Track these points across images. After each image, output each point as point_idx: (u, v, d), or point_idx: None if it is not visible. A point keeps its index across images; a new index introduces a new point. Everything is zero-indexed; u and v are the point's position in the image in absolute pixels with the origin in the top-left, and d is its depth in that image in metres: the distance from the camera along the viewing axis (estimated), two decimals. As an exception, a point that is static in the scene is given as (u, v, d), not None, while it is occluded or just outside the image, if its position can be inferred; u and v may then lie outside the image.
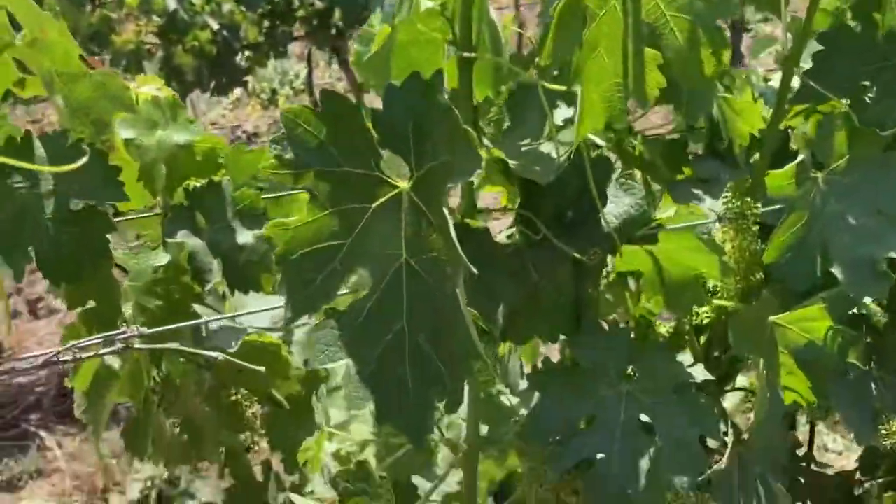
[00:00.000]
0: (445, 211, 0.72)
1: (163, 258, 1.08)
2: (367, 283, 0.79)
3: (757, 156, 1.14)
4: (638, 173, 1.16)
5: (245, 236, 1.12)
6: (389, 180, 0.76)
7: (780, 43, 1.09)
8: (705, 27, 0.79)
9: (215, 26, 4.25)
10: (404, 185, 0.76)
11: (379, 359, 0.78)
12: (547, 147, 0.83)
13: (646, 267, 1.06)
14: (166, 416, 1.27)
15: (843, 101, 1.02)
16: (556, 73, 0.91)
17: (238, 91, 5.95)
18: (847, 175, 0.97)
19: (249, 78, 5.16)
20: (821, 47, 1.04)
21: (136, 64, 3.93)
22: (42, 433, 3.50)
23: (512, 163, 0.82)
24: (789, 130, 1.15)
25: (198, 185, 1.11)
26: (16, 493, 3.20)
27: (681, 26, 0.79)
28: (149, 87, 1.12)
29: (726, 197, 1.00)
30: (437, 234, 0.75)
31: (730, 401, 1.53)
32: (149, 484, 3.17)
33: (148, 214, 1.15)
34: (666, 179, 1.21)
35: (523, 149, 0.86)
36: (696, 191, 1.15)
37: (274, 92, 6.68)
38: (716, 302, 1.07)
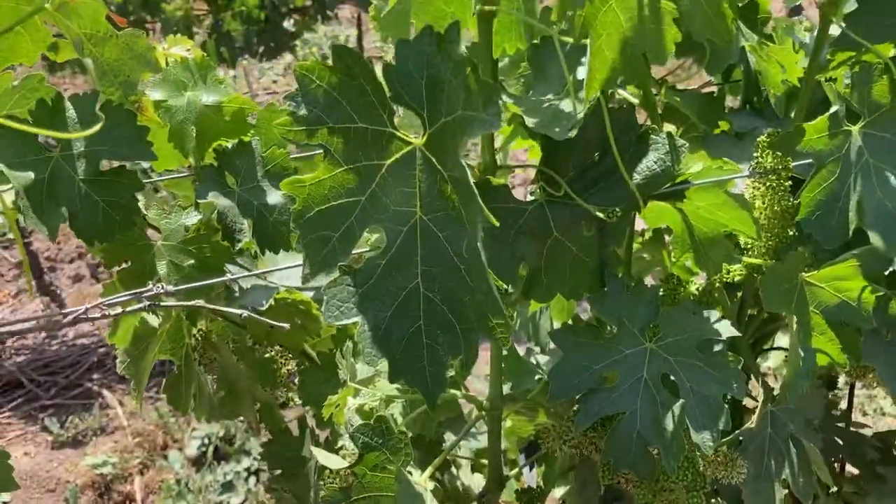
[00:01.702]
0: (464, 164, 0.70)
1: (194, 217, 1.09)
2: (381, 240, 0.79)
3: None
4: (667, 127, 1.13)
5: (275, 196, 1.13)
6: (402, 136, 0.75)
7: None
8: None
9: (263, -9, 4.26)
10: (418, 141, 0.75)
11: (392, 317, 0.78)
12: (566, 104, 0.81)
13: (675, 223, 1.04)
14: (206, 372, 1.31)
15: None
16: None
17: (290, 57, 5.99)
18: (885, 128, 0.94)
19: (300, 43, 5.20)
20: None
21: (185, 30, 3.98)
22: (104, 392, 3.62)
23: (529, 120, 0.81)
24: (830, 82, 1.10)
25: (227, 145, 1.13)
26: (80, 448, 3.32)
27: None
28: (178, 48, 1.13)
29: (757, 152, 0.97)
30: (452, 191, 0.74)
31: (772, 360, 1.50)
32: (206, 441, 3.27)
33: (180, 175, 1.17)
34: (701, 134, 1.18)
35: (544, 105, 0.84)
36: (730, 146, 1.12)
37: (325, 57, 6.74)
38: (747, 259, 1.05)
